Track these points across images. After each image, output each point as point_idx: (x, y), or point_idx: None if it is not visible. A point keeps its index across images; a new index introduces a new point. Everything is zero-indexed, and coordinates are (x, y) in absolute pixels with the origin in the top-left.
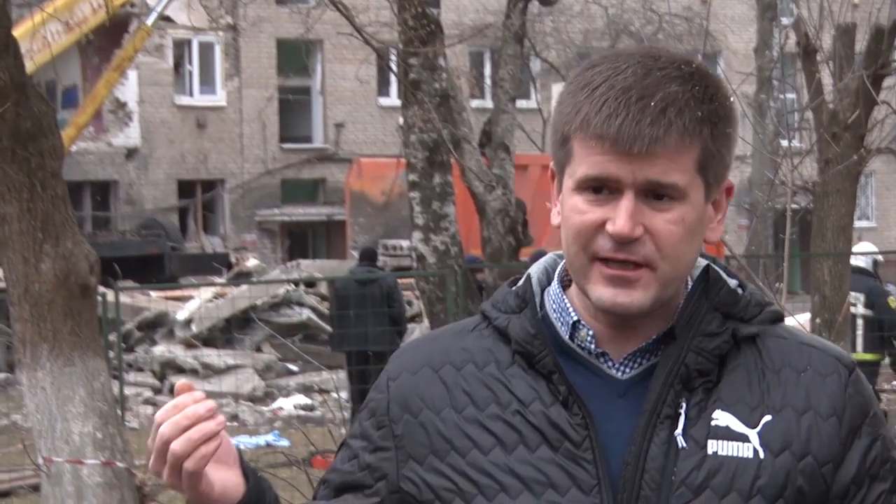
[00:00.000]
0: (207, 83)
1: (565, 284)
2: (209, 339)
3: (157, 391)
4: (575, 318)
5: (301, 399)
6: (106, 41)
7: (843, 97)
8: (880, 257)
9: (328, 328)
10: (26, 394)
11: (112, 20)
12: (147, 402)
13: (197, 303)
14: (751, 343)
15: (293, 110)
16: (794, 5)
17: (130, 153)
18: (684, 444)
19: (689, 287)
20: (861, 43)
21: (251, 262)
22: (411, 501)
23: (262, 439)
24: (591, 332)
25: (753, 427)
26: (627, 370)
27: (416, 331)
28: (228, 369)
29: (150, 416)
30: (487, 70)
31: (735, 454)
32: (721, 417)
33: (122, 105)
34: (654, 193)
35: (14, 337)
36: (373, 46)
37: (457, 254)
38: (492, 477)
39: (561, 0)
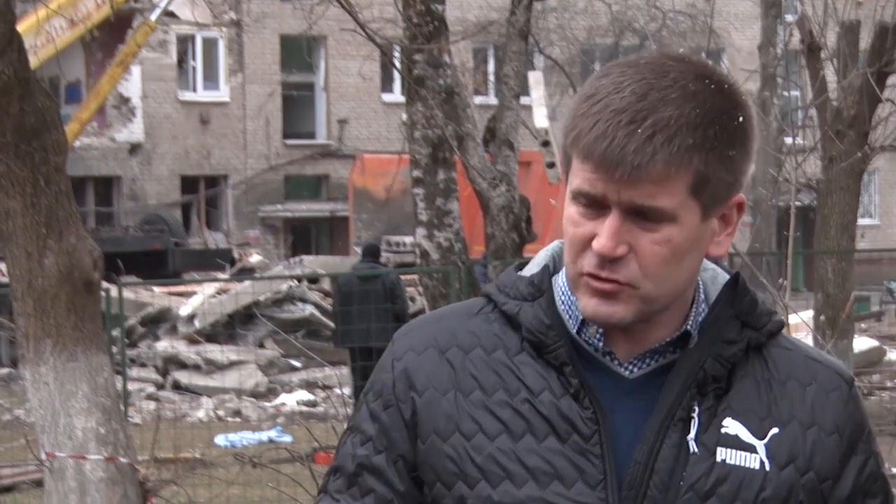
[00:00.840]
0: (211, 79)
1: None
2: (212, 334)
3: (160, 387)
4: (584, 317)
5: (304, 395)
6: (109, 37)
7: (847, 95)
8: None
9: (331, 324)
10: (29, 389)
11: (116, 16)
12: (150, 397)
13: (200, 298)
14: (758, 353)
15: (296, 106)
16: (799, 2)
17: (134, 149)
18: (696, 449)
19: (705, 293)
20: (865, 40)
21: (254, 258)
22: (420, 481)
23: (264, 435)
24: (600, 330)
25: (761, 438)
26: (635, 370)
27: None
28: (231, 365)
29: (153, 412)
30: (491, 66)
31: (742, 464)
32: (731, 426)
33: (125, 100)
34: (642, 213)
35: (17, 332)
36: (376, 43)
37: (460, 250)
38: (497, 463)
39: None
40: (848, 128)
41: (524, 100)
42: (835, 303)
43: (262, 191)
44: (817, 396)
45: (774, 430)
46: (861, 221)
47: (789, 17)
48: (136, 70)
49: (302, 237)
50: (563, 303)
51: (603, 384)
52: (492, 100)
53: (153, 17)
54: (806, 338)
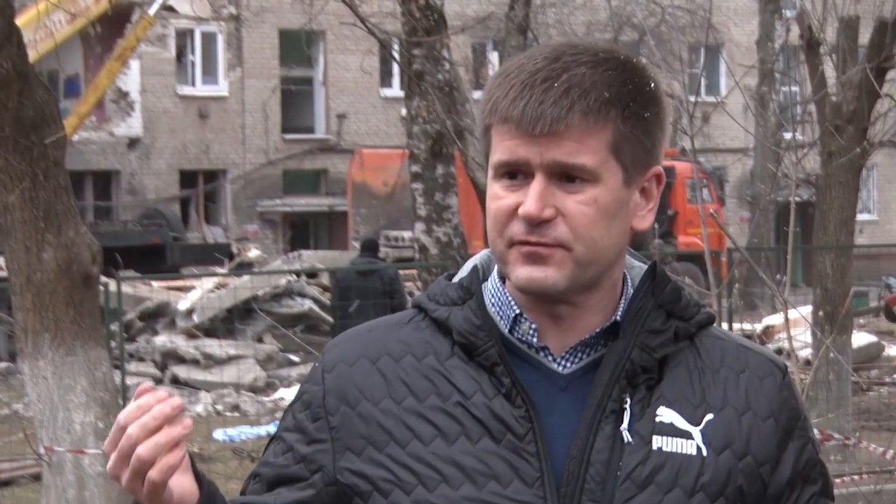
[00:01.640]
0: (210, 73)
1: (504, 279)
2: (211, 329)
3: (159, 381)
4: (517, 311)
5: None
6: (108, 31)
7: (847, 90)
8: None
9: (329, 319)
10: (28, 383)
11: (114, 10)
12: None
13: (198, 293)
14: (689, 342)
15: (295, 101)
16: None
17: (132, 143)
18: (630, 439)
19: (631, 288)
20: (864, 36)
21: (253, 253)
22: (349, 493)
23: (263, 429)
24: (533, 326)
25: (696, 425)
26: (569, 364)
27: None
28: (230, 359)
29: None
30: (493, 60)
31: (679, 451)
32: (665, 414)
33: (124, 95)
34: (566, 175)
35: (16, 326)
36: (376, 37)
37: (459, 245)
38: (433, 467)
39: None
40: (847, 123)
41: None
42: (833, 298)
43: (261, 185)
44: (751, 383)
45: (709, 417)
46: (860, 217)
47: (788, 13)
48: (134, 64)
49: (300, 232)
50: (493, 304)
51: (537, 382)
52: None
53: (152, 11)
54: (805, 333)
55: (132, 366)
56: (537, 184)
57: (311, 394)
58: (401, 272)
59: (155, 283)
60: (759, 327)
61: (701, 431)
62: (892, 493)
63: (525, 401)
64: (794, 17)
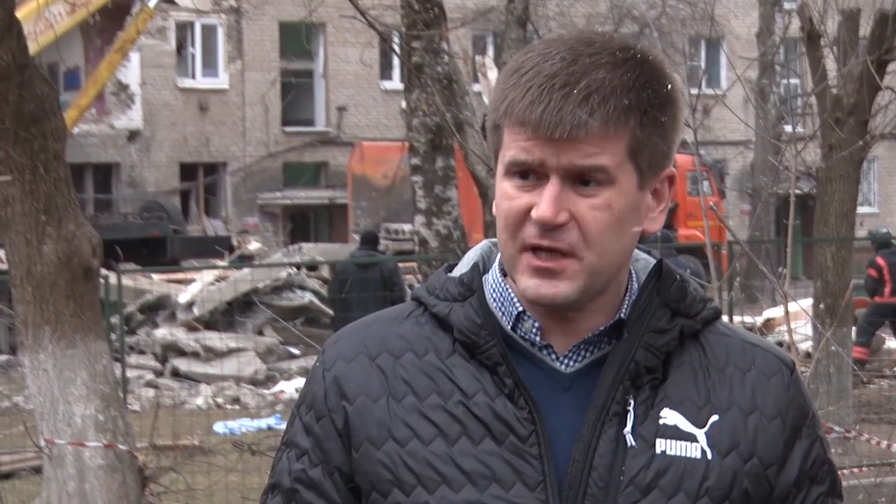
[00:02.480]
0: (210, 66)
1: (505, 273)
2: (211, 321)
3: (159, 374)
4: (520, 309)
5: (302, 382)
6: (108, 23)
7: (847, 82)
8: None
9: (330, 311)
10: (28, 376)
11: (115, 2)
12: (149, 384)
13: (199, 286)
14: (694, 340)
15: (296, 93)
16: None
17: (132, 135)
18: (633, 443)
19: (638, 282)
20: (865, 28)
21: (253, 246)
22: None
23: (263, 422)
24: (536, 324)
25: (701, 427)
26: (571, 363)
27: None
28: (230, 352)
29: (151, 399)
30: (490, 54)
31: (683, 454)
32: (669, 416)
33: (124, 87)
34: (581, 178)
35: (16, 319)
36: (376, 29)
37: (459, 238)
38: (433, 468)
39: None
40: (847, 116)
41: None
42: (834, 291)
43: (261, 178)
44: (757, 381)
45: (714, 418)
46: (860, 210)
47: (788, 5)
48: (134, 57)
49: (301, 224)
50: (494, 300)
51: (539, 381)
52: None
53: (152, 3)
54: (805, 326)
55: (132, 358)
56: (552, 187)
57: (312, 393)
58: (400, 265)
59: (155, 276)
60: (759, 320)
61: (706, 434)
62: (892, 486)
63: (528, 402)
64: (794, 10)
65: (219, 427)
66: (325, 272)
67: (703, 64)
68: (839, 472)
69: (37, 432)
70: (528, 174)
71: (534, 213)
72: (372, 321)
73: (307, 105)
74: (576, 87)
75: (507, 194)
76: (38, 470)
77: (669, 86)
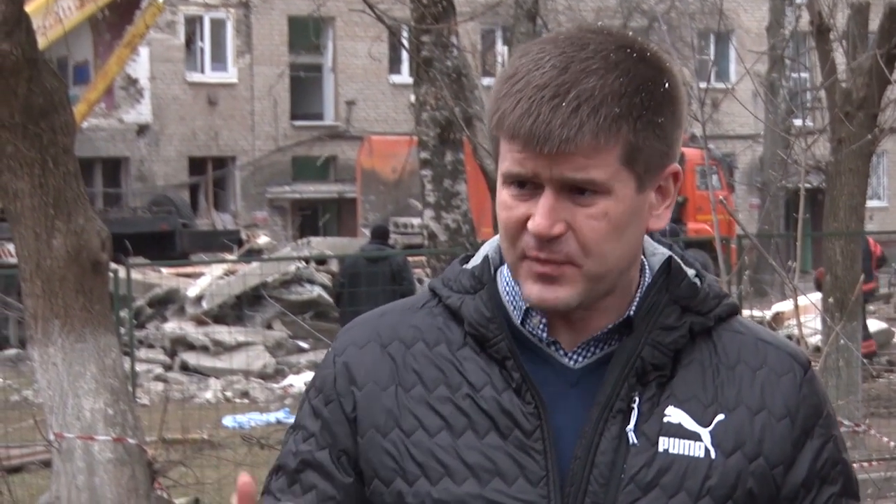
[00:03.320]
0: (219, 60)
1: None
2: (220, 315)
3: (168, 368)
4: (528, 304)
5: (311, 376)
6: (118, 17)
7: (857, 76)
8: None
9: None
10: (38, 370)
11: None
12: (158, 378)
13: (208, 279)
14: (706, 337)
15: (304, 87)
16: None
17: (142, 130)
18: (635, 441)
19: (649, 278)
20: (875, 22)
21: (262, 240)
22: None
23: (272, 416)
24: (544, 320)
25: (706, 426)
26: (580, 359)
27: None
28: (239, 346)
29: (160, 393)
30: (500, 48)
31: (686, 453)
32: (674, 414)
33: (133, 81)
34: (576, 188)
35: (25, 313)
36: (385, 23)
37: (468, 232)
38: (437, 459)
39: None
40: (857, 110)
41: None
42: (843, 285)
43: (270, 172)
44: (767, 380)
45: (720, 417)
46: (870, 203)
47: None
48: (144, 51)
49: (309, 218)
50: (507, 293)
51: (547, 377)
52: None
53: None
54: (815, 320)
55: (142, 352)
56: (546, 198)
57: (322, 378)
58: (409, 259)
59: (164, 270)
60: (768, 314)
61: (710, 433)
62: None
63: (534, 397)
64: (804, 4)
65: (228, 421)
66: (333, 266)
67: (712, 58)
68: None
69: (46, 426)
70: (525, 184)
71: (530, 225)
72: (386, 310)
73: (316, 99)
74: (565, 99)
75: (506, 204)
76: (47, 464)
77: (667, 84)
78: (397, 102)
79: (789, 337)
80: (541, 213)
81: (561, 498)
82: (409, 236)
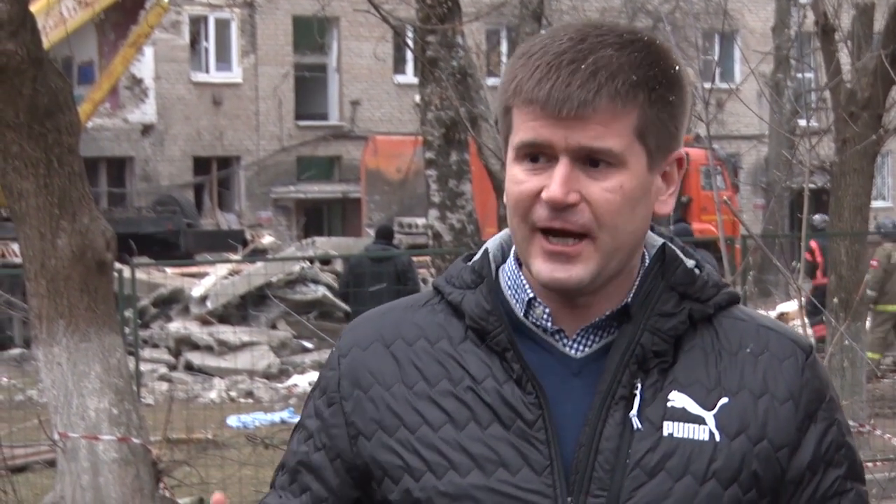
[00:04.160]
0: (223, 60)
1: (521, 262)
2: (224, 315)
3: (173, 367)
4: (531, 295)
5: (316, 376)
6: (122, 17)
7: (861, 77)
8: None
9: (343, 306)
10: (42, 369)
11: None
12: (162, 378)
13: (212, 279)
14: (708, 324)
15: (309, 87)
16: None
17: (146, 129)
18: (639, 426)
19: (646, 265)
20: (880, 22)
21: (266, 239)
22: (365, 479)
23: (277, 416)
24: (547, 310)
25: (710, 409)
26: (582, 348)
27: None
28: (243, 346)
29: (165, 393)
30: (505, 48)
31: (691, 436)
32: (677, 399)
33: (138, 81)
34: (591, 160)
35: (30, 312)
36: (390, 23)
37: (473, 232)
38: (441, 454)
39: None
40: (862, 110)
41: None
42: (848, 285)
43: (275, 172)
44: (769, 365)
45: (724, 401)
46: (874, 204)
47: None
48: (148, 51)
49: (314, 218)
50: (509, 287)
51: (550, 367)
52: None
53: None
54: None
55: (146, 352)
56: (562, 167)
57: (327, 379)
58: (414, 259)
59: (169, 270)
60: (773, 314)
61: (714, 416)
62: None
63: (535, 387)
64: (809, 4)
65: (232, 421)
66: (338, 266)
67: (716, 58)
68: None
69: (51, 426)
70: (538, 157)
71: (544, 194)
72: (389, 309)
73: (321, 99)
74: (583, 63)
75: (517, 178)
76: (51, 463)
77: (677, 67)
78: (402, 102)
79: None
80: (556, 182)
81: (566, 485)
82: (414, 236)
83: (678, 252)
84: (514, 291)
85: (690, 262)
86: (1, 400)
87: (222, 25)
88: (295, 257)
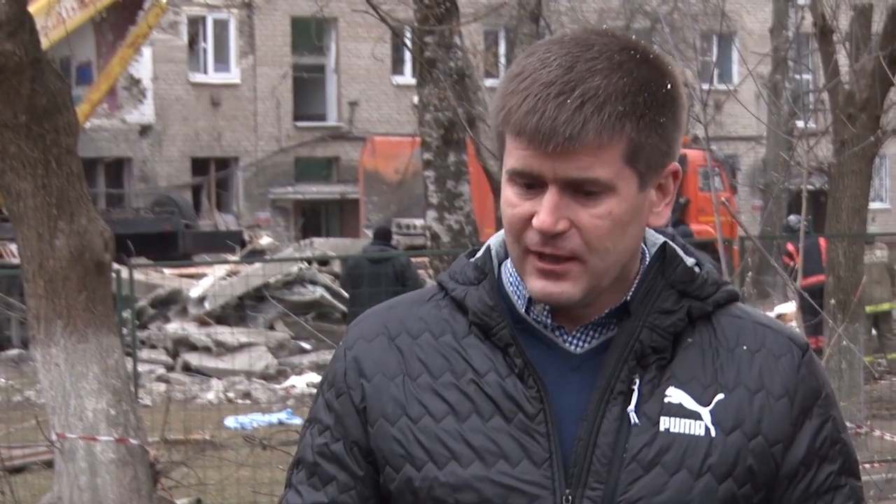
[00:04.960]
0: (222, 60)
1: None
2: (222, 316)
3: (171, 368)
4: (533, 299)
5: (314, 377)
6: (121, 18)
7: (860, 78)
8: None
9: (341, 306)
10: (40, 370)
11: None
12: (160, 379)
13: (210, 280)
14: (706, 321)
15: (307, 88)
16: None
17: (144, 130)
18: (636, 421)
19: (646, 263)
20: (878, 23)
21: (264, 240)
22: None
23: (274, 417)
24: (547, 307)
25: (706, 405)
26: (582, 344)
27: None
28: (241, 347)
29: (163, 394)
30: (502, 49)
31: (687, 431)
32: (674, 395)
33: (136, 82)
34: (580, 188)
35: (28, 313)
36: (388, 24)
37: (471, 233)
38: (443, 444)
39: None
40: (860, 111)
41: None
42: (846, 286)
43: (273, 173)
44: (765, 362)
45: (720, 397)
46: (872, 205)
47: (801, 0)
48: (146, 51)
49: (312, 219)
50: (511, 283)
51: (550, 362)
52: None
53: None
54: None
55: (144, 353)
56: (551, 196)
57: (334, 372)
58: (412, 259)
59: (167, 271)
60: (771, 315)
61: (710, 412)
62: None
63: (536, 381)
64: (807, 5)
65: (230, 422)
66: (336, 267)
67: (714, 59)
68: None
69: (48, 426)
70: (529, 183)
71: (534, 222)
72: (394, 304)
73: (319, 100)
74: (570, 97)
75: (510, 201)
76: (49, 464)
77: (669, 85)
78: (400, 103)
79: None
80: (545, 211)
81: (565, 478)
82: (412, 237)
83: (678, 251)
84: (515, 288)
85: (690, 261)
86: None
87: (220, 26)
88: (293, 258)
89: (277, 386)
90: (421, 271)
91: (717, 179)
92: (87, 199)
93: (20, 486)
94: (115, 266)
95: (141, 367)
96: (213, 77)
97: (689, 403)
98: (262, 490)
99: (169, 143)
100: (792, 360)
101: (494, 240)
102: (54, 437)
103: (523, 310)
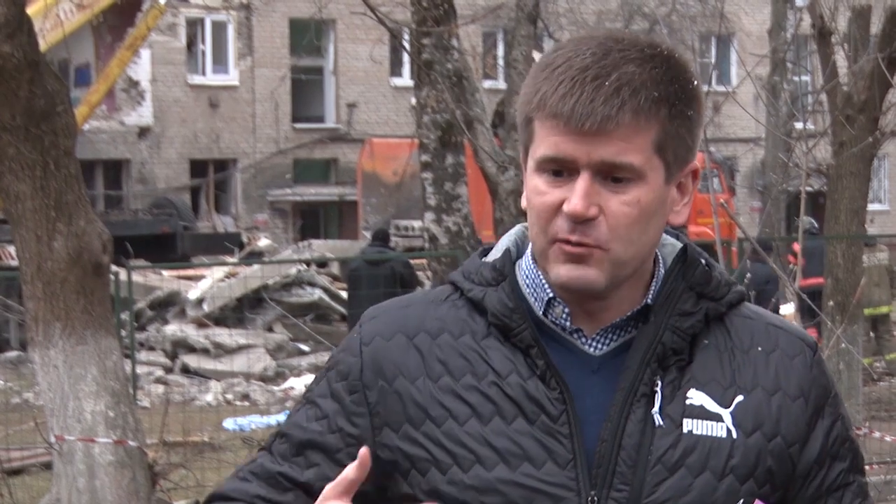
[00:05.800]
0: (220, 62)
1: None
2: (221, 318)
3: (169, 370)
4: (550, 295)
5: (312, 379)
6: (119, 20)
7: (858, 79)
8: None
9: (340, 308)
10: (38, 372)
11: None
12: (159, 381)
13: (209, 282)
14: (719, 322)
15: (305, 90)
16: None
17: (143, 132)
18: (661, 423)
19: (665, 266)
20: (876, 25)
21: (263, 242)
22: (388, 470)
23: (273, 419)
24: (566, 310)
25: (727, 407)
26: (601, 346)
27: None
28: (240, 349)
29: (161, 396)
30: (500, 51)
31: (709, 433)
32: (695, 396)
33: (134, 84)
34: (611, 175)
35: (26, 315)
36: (386, 26)
37: (469, 234)
38: (467, 448)
39: None
40: (858, 113)
41: None
42: (844, 288)
43: (271, 175)
44: (780, 362)
45: (739, 398)
46: (871, 207)
47: (799, 2)
48: (145, 53)
49: (310, 221)
50: (527, 285)
51: (570, 364)
52: (501, 84)
53: (162, 0)
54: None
55: (142, 355)
56: (583, 181)
57: (347, 365)
58: (411, 261)
59: (165, 273)
60: None
61: (731, 413)
62: None
63: (559, 383)
64: (805, 7)
65: (228, 423)
66: (334, 269)
67: (713, 61)
68: None
69: (47, 428)
70: (561, 171)
71: (565, 207)
72: (409, 302)
73: (317, 102)
74: (607, 80)
75: (539, 189)
76: (48, 466)
77: (695, 81)
78: (398, 105)
79: None
80: (577, 195)
81: (589, 480)
82: (410, 239)
83: (699, 253)
84: (532, 290)
85: (702, 261)
86: None
87: (219, 28)
88: (291, 260)
89: (276, 388)
90: (418, 273)
91: (715, 181)
92: (86, 201)
93: (19, 488)
94: (114, 268)
95: (139, 369)
96: (211, 79)
97: (711, 405)
98: None
99: (167, 145)
100: (805, 361)
101: (509, 239)
102: (53, 439)
103: (541, 312)
